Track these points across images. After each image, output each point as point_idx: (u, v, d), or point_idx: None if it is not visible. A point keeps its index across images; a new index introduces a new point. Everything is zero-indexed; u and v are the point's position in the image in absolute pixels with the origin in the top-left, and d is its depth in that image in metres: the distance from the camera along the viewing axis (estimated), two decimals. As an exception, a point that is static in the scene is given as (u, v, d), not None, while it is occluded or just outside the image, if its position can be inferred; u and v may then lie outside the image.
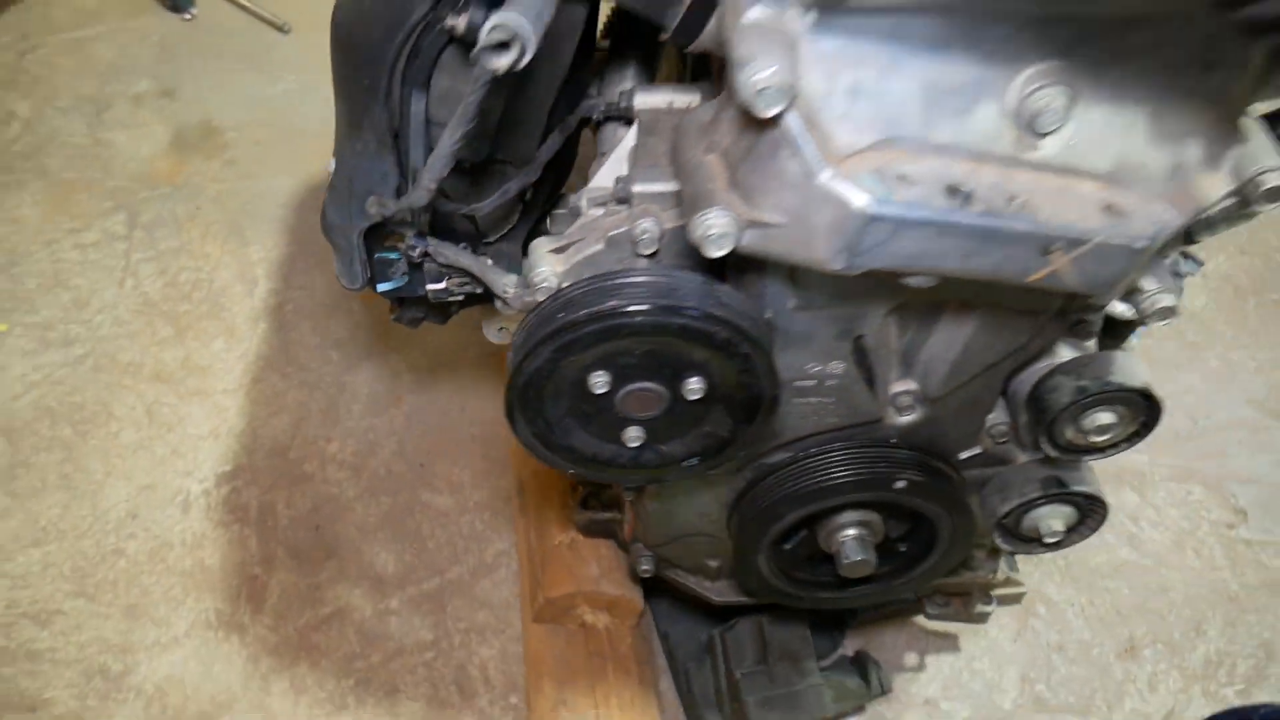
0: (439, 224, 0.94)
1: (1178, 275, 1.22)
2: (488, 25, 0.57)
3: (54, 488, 1.47)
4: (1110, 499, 1.54)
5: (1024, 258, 0.69)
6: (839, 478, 0.93)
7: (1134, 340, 1.26)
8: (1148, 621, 1.42)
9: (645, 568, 1.13)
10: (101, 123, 1.93)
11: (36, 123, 1.93)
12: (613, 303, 0.76)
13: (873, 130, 0.68)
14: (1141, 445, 1.60)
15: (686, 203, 0.76)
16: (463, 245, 0.93)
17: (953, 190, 0.68)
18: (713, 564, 1.12)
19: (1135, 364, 0.90)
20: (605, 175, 0.90)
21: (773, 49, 0.64)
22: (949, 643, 1.39)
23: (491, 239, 1.01)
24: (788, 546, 1.03)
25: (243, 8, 2.12)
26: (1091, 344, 0.95)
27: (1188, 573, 1.47)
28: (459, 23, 0.73)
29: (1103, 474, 1.56)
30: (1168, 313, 0.83)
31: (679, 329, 0.75)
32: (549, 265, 0.83)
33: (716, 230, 0.69)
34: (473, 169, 0.91)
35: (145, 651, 1.33)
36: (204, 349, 1.64)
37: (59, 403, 1.56)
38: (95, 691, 1.29)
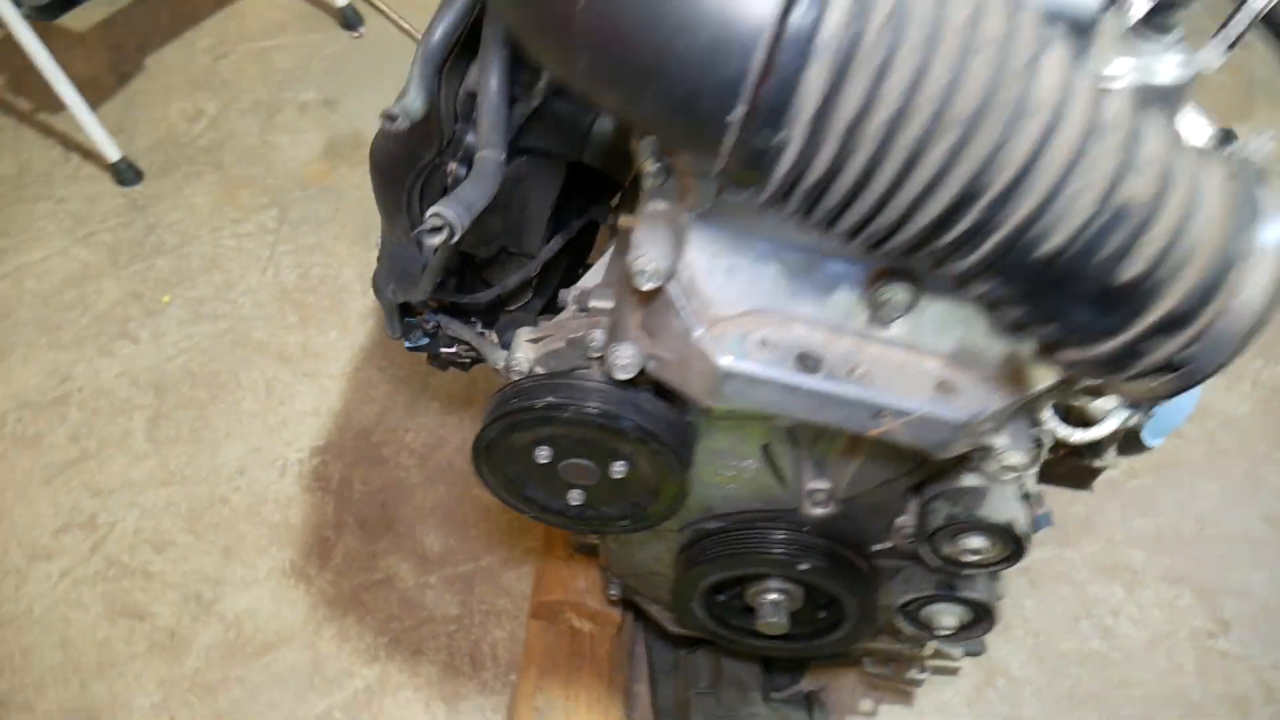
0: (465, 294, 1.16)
1: (1137, 409, 1.32)
2: (428, 213, 0.77)
3: (185, 440, 1.80)
4: (1096, 588, 1.65)
5: (861, 418, 0.84)
6: (754, 553, 1.11)
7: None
8: (1100, 713, 1.51)
9: (613, 592, 1.34)
10: (271, 126, 2.26)
11: (220, 121, 2.27)
12: (549, 399, 0.96)
13: (744, 301, 0.85)
14: (1142, 542, 1.69)
15: (610, 330, 0.95)
16: (473, 320, 1.15)
17: (803, 357, 0.84)
18: (669, 598, 1.31)
19: (1006, 501, 1.02)
20: (588, 279, 1.09)
21: (660, 237, 0.82)
22: (905, 696, 1.53)
23: (511, 308, 1.22)
24: (722, 598, 1.22)
25: (404, 31, 2.41)
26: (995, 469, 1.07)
27: (1154, 673, 1.55)
28: (452, 168, 0.94)
29: (1096, 564, 1.67)
30: (1015, 469, 0.94)
31: (597, 425, 0.95)
32: (524, 352, 1.03)
33: (624, 360, 0.89)
34: (484, 261, 1.12)
35: (232, 586, 1.64)
36: (320, 336, 1.93)
37: (200, 368, 1.89)
38: (189, 612, 1.61)
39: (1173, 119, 0.71)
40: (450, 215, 0.77)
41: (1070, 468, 1.55)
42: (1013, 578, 1.64)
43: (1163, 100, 0.69)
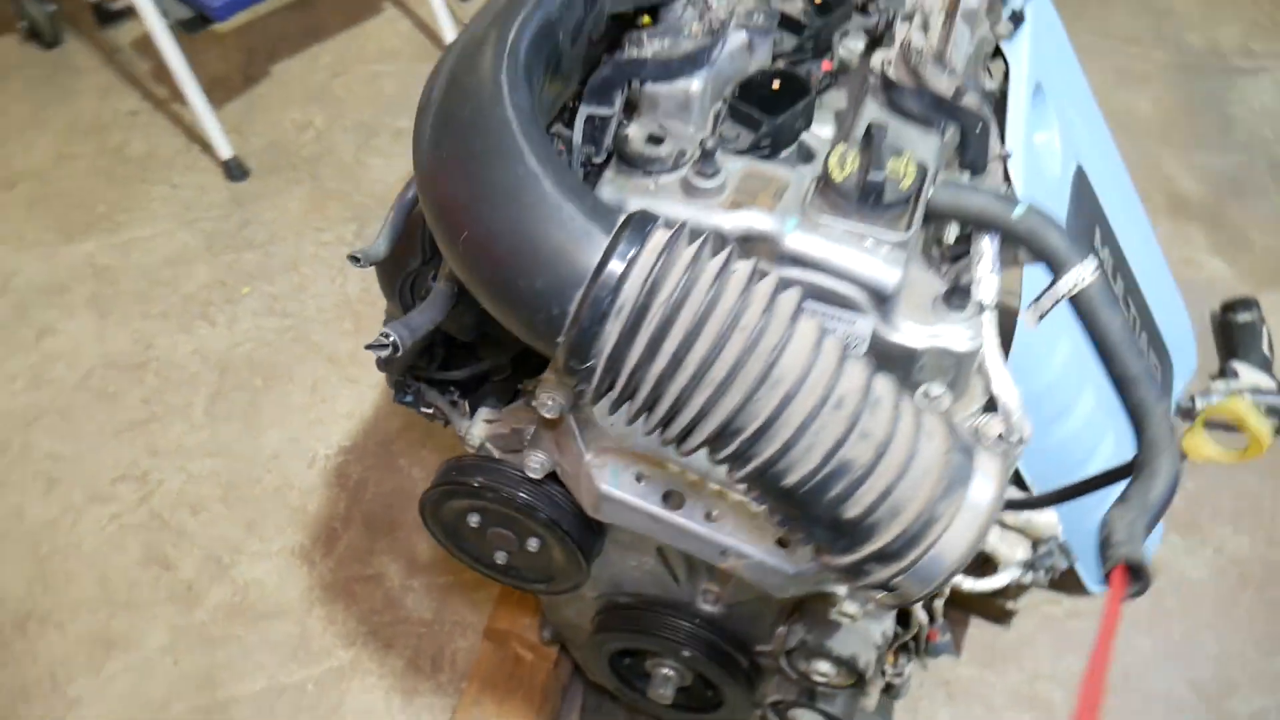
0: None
1: (1035, 568, 1.44)
2: (379, 331, 0.97)
3: (236, 419, 2.06)
4: (1009, 715, 1.75)
5: (710, 552, 1.01)
6: (649, 633, 1.27)
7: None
8: (980, 830, 1.62)
9: (545, 635, 1.52)
10: (367, 146, 2.51)
11: (325, 135, 2.53)
12: (481, 479, 1.14)
13: (629, 440, 1.02)
14: (1065, 681, 1.79)
15: (531, 436, 1.13)
16: (451, 390, 1.34)
17: (668, 495, 1.01)
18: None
19: (856, 637, 1.16)
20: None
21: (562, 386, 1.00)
22: (806, 778, 1.67)
23: (494, 379, 1.41)
24: (627, 661, 1.39)
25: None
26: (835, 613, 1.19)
27: (1041, 806, 1.65)
28: (431, 277, 1.13)
29: (1015, 693, 1.77)
30: (848, 616, 1.09)
31: (516, 509, 1.13)
32: (479, 430, 1.22)
33: (534, 464, 1.07)
34: (466, 343, 1.31)
35: (248, 556, 1.88)
36: (369, 347, 2.16)
37: (262, 358, 2.14)
38: (208, 572, 1.86)
39: (961, 379, 0.85)
40: (395, 337, 0.96)
41: (985, 602, 1.67)
42: (933, 687, 1.76)
43: (956, 363, 0.84)
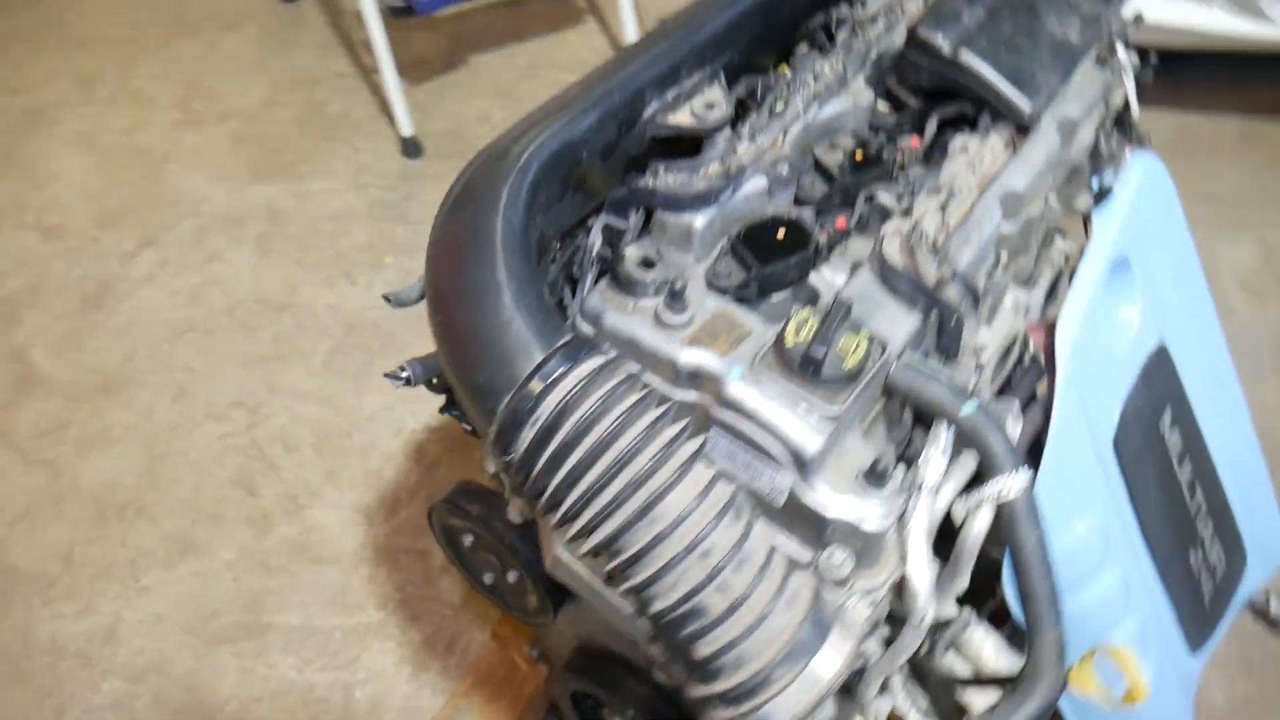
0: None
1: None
2: (400, 364, 1.09)
3: (347, 376, 2.26)
4: None
5: (640, 634, 1.07)
6: (602, 686, 1.35)
7: None
8: None
9: (534, 654, 1.62)
10: (533, 149, 2.66)
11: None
12: (479, 509, 1.25)
13: (594, 514, 1.10)
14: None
15: (524, 483, 1.22)
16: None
17: (610, 574, 1.08)
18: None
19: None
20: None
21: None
22: None
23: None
24: (589, 703, 1.47)
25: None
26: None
27: None
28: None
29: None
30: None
31: (502, 544, 1.23)
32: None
33: (514, 513, 1.17)
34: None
35: (320, 501, 2.07)
36: (479, 338, 2.32)
37: (384, 326, 2.34)
38: (283, 507, 2.06)
39: (871, 550, 0.88)
40: (410, 372, 1.08)
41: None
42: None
43: (868, 539, 0.87)
